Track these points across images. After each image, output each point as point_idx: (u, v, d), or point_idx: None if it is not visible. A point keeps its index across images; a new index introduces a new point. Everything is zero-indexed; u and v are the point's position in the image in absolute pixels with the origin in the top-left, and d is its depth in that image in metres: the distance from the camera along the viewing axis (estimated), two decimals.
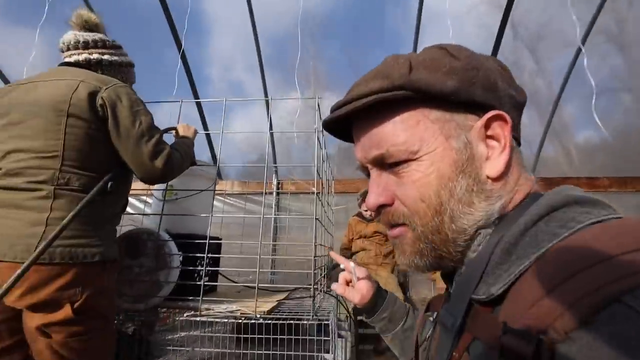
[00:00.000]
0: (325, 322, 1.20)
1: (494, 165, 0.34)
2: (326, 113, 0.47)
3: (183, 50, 2.51)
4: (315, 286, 1.31)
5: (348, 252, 2.96)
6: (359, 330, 2.79)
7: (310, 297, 1.29)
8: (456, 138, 0.35)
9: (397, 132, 0.36)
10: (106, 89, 0.98)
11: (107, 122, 0.97)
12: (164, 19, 2.67)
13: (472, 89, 0.34)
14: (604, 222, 0.28)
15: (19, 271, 0.71)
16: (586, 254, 0.25)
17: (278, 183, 3.43)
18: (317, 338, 1.19)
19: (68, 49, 1.09)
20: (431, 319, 0.46)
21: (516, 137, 0.37)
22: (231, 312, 1.32)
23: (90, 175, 0.95)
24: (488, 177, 0.35)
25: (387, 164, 0.37)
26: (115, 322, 1.31)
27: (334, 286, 0.75)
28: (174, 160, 1.11)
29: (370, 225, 2.79)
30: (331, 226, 2.68)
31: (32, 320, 0.81)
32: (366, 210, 2.82)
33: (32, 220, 0.84)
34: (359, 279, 0.72)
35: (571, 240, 0.27)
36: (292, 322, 1.22)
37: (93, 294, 0.88)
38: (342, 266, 0.77)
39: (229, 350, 1.31)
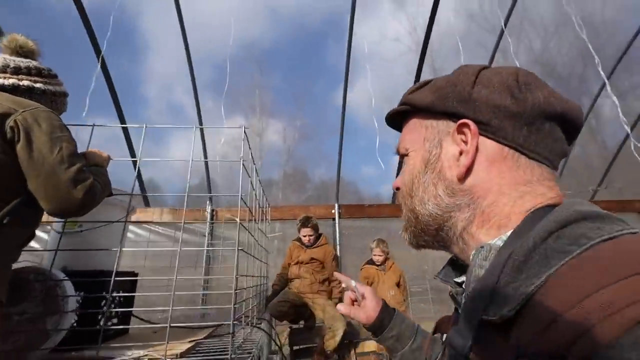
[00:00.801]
0: None
1: (457, 166, 0.39)
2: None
3: (103, 58, 2.30)
4: (236, 322, 1.24)
5: (282, 283, 2.89)
6: None
7: (228, 334, 1.22)
8: (431, 141, 0.42)
9: (404, 133, 0.48)
10: (23, 112, 0.91)
11: (16, 146, 0.89)
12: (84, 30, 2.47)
13: (445, 102, 0.41)
14: (617, 237, 0.26)
15: None
16: (600, 273, 0.24)
17: (212, 211, 3.27)
18: None
19: None
20: (440, 341, 0.47)
21: (515, 147, 0.37)
22: (137, 358, 1.17)
23: None
24: (457, 177, 0.39)
25: (400, 156, 0.48)
26: None
27: (339, 307, 0.72)
28: (96, 191, 1.03)
29: (308, 251, 2.79)
30: (265, 254, 2.61)
31: None
32: (305, 236, 2.82)
33: None
34: (363, 296, 0.70)
35: (583, 258, 0.26)
36: None
37: None
38: (343, 285, 0.75)
39: None
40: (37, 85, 1.05)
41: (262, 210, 2.50)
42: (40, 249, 1.33)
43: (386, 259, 2.93)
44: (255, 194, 2.07)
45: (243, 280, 1.64)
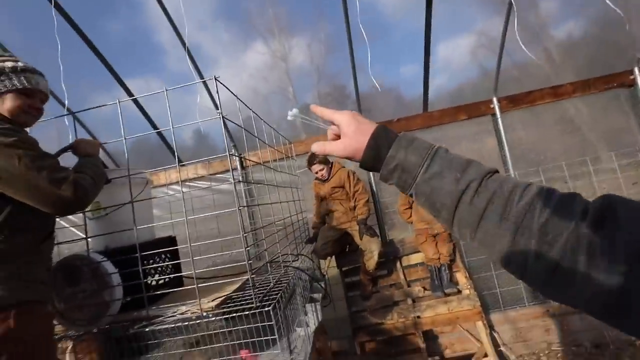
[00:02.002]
0: (266, 310, 1.21)
1: None
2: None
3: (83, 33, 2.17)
4: (253, 275, 1.31)
5: (320, 222, 2.96)
6: (345, 279, 2.94)
7: (250, 286, 1.30)
8: None
9: None
10: None
11: None
12: None
13: None
14: None
15: None
16: None
17: (240, 159, 3.33)
18: (260, 325, 1.22)
19: None
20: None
21: None
22: (182, 313, 1.35)
23: None
24: None
25: None
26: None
27: (313, 146, 0.57)
28: (84, 183, 1.03)
29: (327, 184, 2.77)
30: (296, 191, 2.65)
31: None
32: (317, 172, 2.78)
33: None
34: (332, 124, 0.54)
35: None
36: (235, 314, 1.24)
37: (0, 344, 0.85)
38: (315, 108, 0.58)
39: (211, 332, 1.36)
40: None
41: (278, 151, 2.44)
42: (77, 238, 1.47)
43: None
44: (260, 139, 1.98)
45: (243, 240, 1.69)
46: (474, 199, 0.40)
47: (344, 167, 2.78)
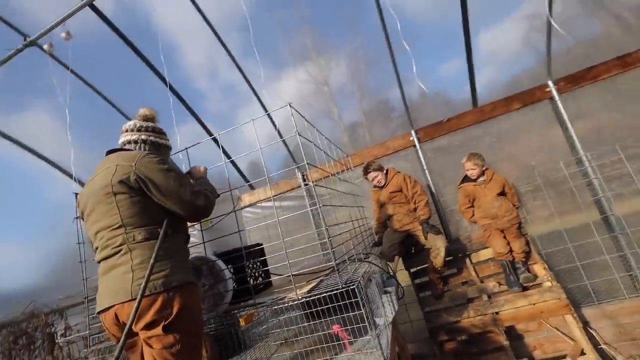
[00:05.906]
0: (352, 288, 1.42)
1: None
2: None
3: (169, 83, 2.78)
4: (337, 262, 1.54)
5: (382, 226, 3.09)
6: (415, 281, 3.00)
7: (334, 271, 1.53)
8: None
9: None
10: (136, 164, 1.25)
11: (147, 189, 1.26)
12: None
13: None
14: None
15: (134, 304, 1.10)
16: None
17: (303, 175, 3.68)
18: (341, 303, 1.43)
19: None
20: None
21: None
22: (280, 299, 1.63)
23: (147, 228, 1.25)
24: None
25: None
26: (212, 328, 1.68)
27: None
28: (209, 196, 1.41)
29: (384, 189, 2.91)
30: (359, 198, 2.86)
31: (143, 335, 1.15)
32: (373, 180, 2.95)
33: (124, 271, 1.18)
34: None
35: None
36: (325, 295, 1.47)
37: (179, 312, 1.15)
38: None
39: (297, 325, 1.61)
40: (150, 138, 1.43)
41: (338, 164, 2.70)
42: (197, 243, 1.86)
43: (483, 171, 2.76)
44: (324, 152, 2.26)
45: (326, 232, 1.93)
46: None
47: (399, 172, 2.93)
